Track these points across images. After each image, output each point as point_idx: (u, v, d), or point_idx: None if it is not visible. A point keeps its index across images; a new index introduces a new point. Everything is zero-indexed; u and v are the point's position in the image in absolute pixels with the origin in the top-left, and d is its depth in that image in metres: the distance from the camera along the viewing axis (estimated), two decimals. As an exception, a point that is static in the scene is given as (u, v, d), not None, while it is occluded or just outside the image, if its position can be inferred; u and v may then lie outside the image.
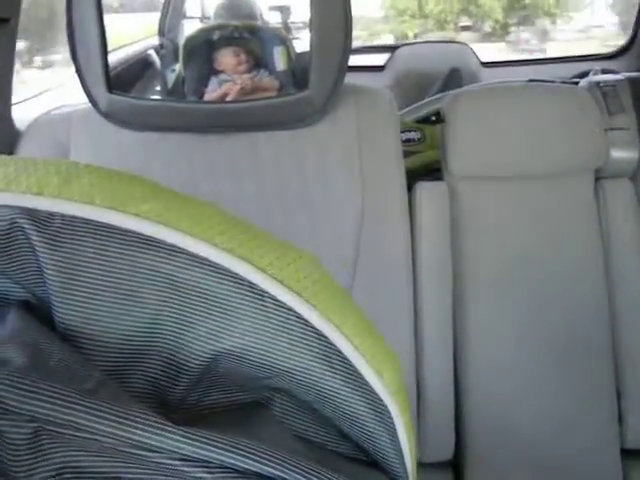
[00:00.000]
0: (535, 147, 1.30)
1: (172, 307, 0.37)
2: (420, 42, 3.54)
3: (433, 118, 1.81)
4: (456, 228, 1.30)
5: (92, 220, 0.36)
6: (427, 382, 1.27)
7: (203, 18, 1.57)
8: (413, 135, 1.67)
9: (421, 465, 1.31)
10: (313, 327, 0.39)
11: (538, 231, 1.32)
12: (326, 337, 0.39)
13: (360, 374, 0.41)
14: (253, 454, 0.32)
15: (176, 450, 0.30)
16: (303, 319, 0.38)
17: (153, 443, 0.30)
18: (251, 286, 0.37)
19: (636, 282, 1.33)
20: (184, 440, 0.30)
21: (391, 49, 2.87)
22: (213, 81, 1.28)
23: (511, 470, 1.30)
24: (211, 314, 0.37)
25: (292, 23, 1.64)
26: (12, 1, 1.24)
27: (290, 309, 0.38)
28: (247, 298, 0.37)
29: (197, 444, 0.30)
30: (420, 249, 1.26)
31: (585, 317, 1.32)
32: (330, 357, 0.39)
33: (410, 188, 1.27)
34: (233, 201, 1.17)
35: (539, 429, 1.31)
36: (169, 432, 0.30)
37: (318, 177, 1.18)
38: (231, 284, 0.37)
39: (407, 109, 1.81)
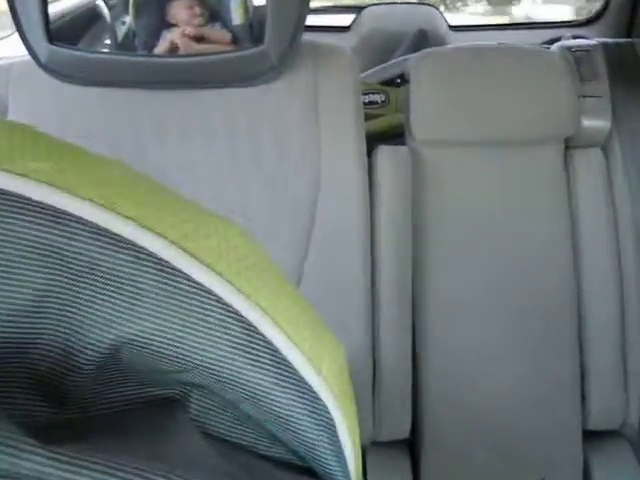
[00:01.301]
0: (504, 112, 1.24)
1: (60, 286, 0.30)
2: (387, 3, 3.45)
3: (398, 80, 1.76)
4: (417, 196, 1.24)
5: None
6: (383, 358, 1.22)
7: (155, -33, 1.48)
8: (377, 97, 1.61)
9: (376, 444, 1.26)
10: (236, 312, 0.32)
11: (504, 200, 1.27)
12: (252, 325, 0.33)
13: (294, 369, 0.34)
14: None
15: (42, 477, 0.24)
16: (224, 303, 0.32)
17: (7, 468, 0.24)
18: (160, 263, 0.31)
19: (604, 256, 1.28)
20: (50, 464, 0.24)
21: (357, 9, 2.79)
22: (165, 35, 1.20)
23: (469, 449, 1.27)
24: (109, 295, 0.31)
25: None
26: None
27: (209, 291, 0.32)
28: (154, 277, 0.31)
29: (66, 467, 0.24)
30: (379, 218, 1.20)
31: (550, 292, 1.27)
32: (257, 349, 0.33)
33: (371, 153, 1.21)
34: (181, 164, 1.11)
35: (499, 409, 1.27)
36: (31, 453, 0.24)
37: (272, 140, 1.12)
38: (135, 260, 0.30)
39: (371, 70, 1.76)
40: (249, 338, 0.33)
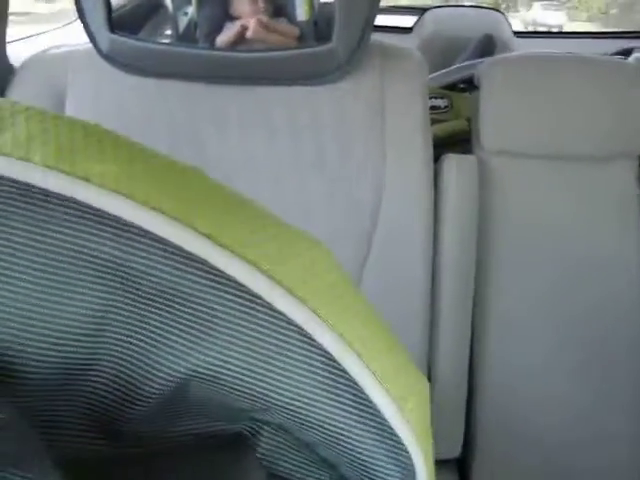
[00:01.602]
0: (578, 124, 1.18)
1: (124, 308, 0.26)
2: (451, 5, 3.39)
3: (462, 86, 1.70)
4: (483, 207, 1.18)
5: (26, 183, 0.25)
6: (439, 370, 1.17)
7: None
8: (440, 102, 1.56)
9: None
10: (320, 347, 0.28)
11: (572, 214, 1.21)
12: (336, 360, 0.28)
13: (378, 411, 0.30)
14: None
15: None
16: (306, 335, 0.27)
17: None
18: (237, 287, 0.26)
19: None
20: None
21: (420, 11, 2.74)
22: (228, 27, 1.16)
23: (521, 474, 1.21)
24: (180, 321, 0.26)
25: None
26: None
27: (290, 321, 0.27)
28: (231, 303, 0.26)
29: None
30: (443, 227, 1.14)
31: (619, 312, 1.20)
32: (340, 387, 0.28)
33: (435, 159, 1.16)
34: (241, 161, 1.08)
35: (560, 438, 1.20)
36: None
37: (336, 140, 1.08)
38: (210, 283, 0.26)
39: (434, 74, 1.70)
40: (332, 375, 0.28)
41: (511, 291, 1.19)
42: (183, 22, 1.26)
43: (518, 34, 2.65)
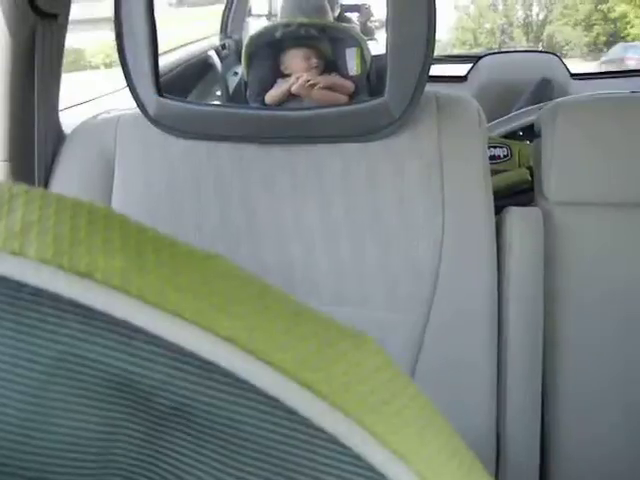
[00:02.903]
0: None
1: (134, 429, 0.22)
2: (505, 51, 3.35)
3: (520, 133, 1.66)
4: (550, 262, 1.11)
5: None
6: (509, 437, 1.09)
7: (270, 15, 1.44)
8: (499, 152, 1.51)
9: None
10: (370, 466, 0.22)
11: None
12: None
13: None
14: None
15: None
16: (353, 455, 0.22)
17: None
18: (270, 402, 0.21)
19: None
20: None
21: (474, 59, 2.71)
22: (279, 84, 1.14)
23: None
24: (198, 442, 0.22)
25: (371, 22, 1.50)
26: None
27: (333, 440, 0.22)
28: (261, 422, 0.21)
29: None
30: (508, 285, 1.08)
31: None
32: None
33: (496, 211, 1.10)
34: (294, 226, 1.04)
35: None
36: None
37: (392, 199, 1.03)
38: (235, 397, 0.21)
39: (492, 123, 1.66)
40: None
41: (583, 354, 1.12)
42: (233, 82, 1.25)
43: (575, 76, 2.60)
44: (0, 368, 0.21)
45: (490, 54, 2.83)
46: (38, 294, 0.20)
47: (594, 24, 5.87)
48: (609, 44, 5.45)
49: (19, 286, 0.20)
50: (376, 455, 0.22)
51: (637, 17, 5.41)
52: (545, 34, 6.34)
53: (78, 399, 0.21)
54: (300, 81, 1.11)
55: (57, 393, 0.21)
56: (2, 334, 0.20)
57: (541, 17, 6.55)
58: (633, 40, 5.28)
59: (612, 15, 5.58)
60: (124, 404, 0.21)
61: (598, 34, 5.78)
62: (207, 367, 0.21)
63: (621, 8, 5.47)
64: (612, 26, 5.59)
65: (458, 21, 7.18)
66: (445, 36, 6.59)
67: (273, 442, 0.22)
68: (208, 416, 0.21)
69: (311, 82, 1.11)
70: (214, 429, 0.22)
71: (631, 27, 5.38)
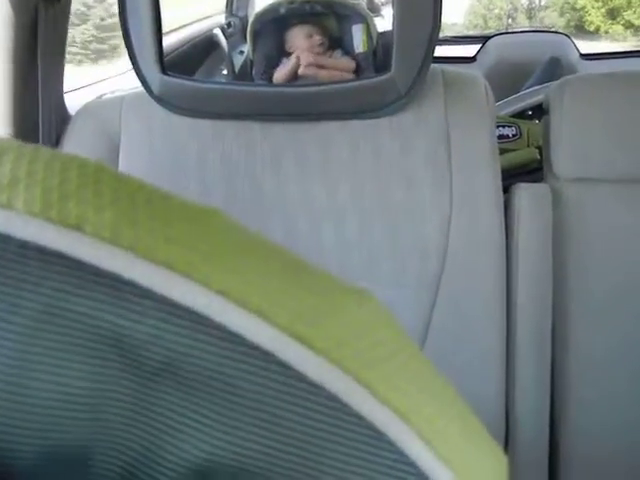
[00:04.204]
0: None
1: (126, 386, 0.21)
2: (514, 31, 3.33)
3: (530, 112, 1.64)
4: (559, 239, 1.10)
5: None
6: (518, 413, 1.09)
7: (277, -7, 1.43)
8: (507, 131, 1.50)
9: None
10: (371, 425, 0.22)
11: None
12: (389, 439, 0.22)
13: None
14: None
15: None
16: (353, 413, 0.22)
17: None
18: (261, 355, 0.21)
19: None
20: None
21: (483, 39, 2.69)
22: (284, 63, 1.13)
23: None
24: (189, 397, 0.21)
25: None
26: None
27: (331, 397, 0.21)
28: (255, 376, 0.21)
29: None
30: (517, 264, 1.07)
31: None
32: (400, 475, 0.22)
33: (505, 190, 1.09)
34: (300, 201, 1.04)
35: None
36: None
37: (399, 176, 1.02)
38: (228, 351, 0.21)
39: (501, 102, 1.64)
40: (387, 461, 0.22)
41: (593, 332, 1.11)
42: (239, 61, 1.24)
43: (585, 56, 2.57)
44: None
45: (499, 34, 2.81)
46: (24, 247, 0.19)
47: (566, 12, 7.81)
48: (577, 28, 7.32)
49: (6, 239, 0.19)
50: (376, 413, 0.22)
51: (592, 8, 7.36)
52: (538, 18, 7.80)
53: (65, 354, 0.20)
54: (305, 62, 1.10)
55: (43, 348, 0.20)
56: None
57: (543, 3, 7.98)
58: (590, 25, 7.32)
59: (577, 6, 7.58)
60: (113, 359, 0.21)
61: (569, 20, 7.70)
62: (199, 320, 0.20)
63: (582, 1, 7.51)
64: (579, 14, 7.60)
65: (470, 7, 8.24)
66: (461, 19, 7.73)
67: (267, 397, 0.21)
68: (200, 370, 0.21)
69: (313, 63, 1.10)
70: (207, 384, 0.21)
71: (588, 15, 7.39)
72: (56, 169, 0.21)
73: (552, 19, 7.69)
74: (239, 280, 0.21)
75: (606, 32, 7.13)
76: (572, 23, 7.41)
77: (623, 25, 7.08)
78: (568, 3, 7.58)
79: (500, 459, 0.27)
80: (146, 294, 0.20)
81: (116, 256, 0.19)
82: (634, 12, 6.95)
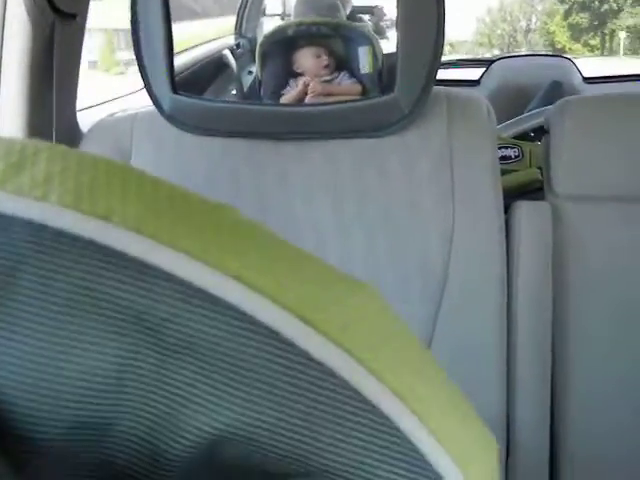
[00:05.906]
0: None
1: (144, 360, 0.23)
2: (519, 55, 3.36)
3: (532, 134, 1.67)
4: (559, 256, 1.12)
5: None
6: (519, 421, 1.11)
7: (284, 15, 1.46)
8: (510, 152, 1.52)
9: None
10: (367, 401, 0.24)
11: None
12: (386, 416, 0.24)
13: (437, 474, 0.26)
14: None
15: None
16: (352, 388, 0.24)
17: None
18: (271, 334, 0.23)
19: None
20: None
21: (487, 62, 2.72)
22: (292, 84, 1.16)
23: None
24: (206, 373, 0.24)
25: (384, 21, 1.51)
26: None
27: (331, 373, 0.24)
28: (262, 352, 0.23)
29: None
30: (516, 279, 1.09)
31: None
32: (392, 447, 0.25)
33: (506, 209, 1.12)
34: (305, 217, 1.06)
35: None
36: None
37: (403, 192, 1.05)
38: (238, 329, 0.23)
39: (504, 124, 1.67)
40: (381, 434, 0.25)
41: (593, 350, 1.13)
42: (248, 81, 1.27)
43: (588, 80, 2.60)
44: (25, 303, 0.23)
45: (503, 58, 2.84)
46: (59, 234, 0.22)
47: (543, 35, 10.97)
48: (550, 46, 10.55)
49: (42, 228, 0.22)
50: (371, 388, 0.24)
51: (559, 32, 10.61)
52: (528, 39, 10.90)
53: (95, 331, 0.23)
54: (312, 92, 1.13)
55: (77, 325, 0.23)
56: (26, 270, 0.22)
57: (538, 25, 11.06)
58: (558, 44, 10.46)
59: (550, 30, 10.75)
60: (134, 336, 0.23)
61: (545, 40, 10.85)
62: (213, 301, 0.23)
63: (552, 27, 10.75)
64: (551, 36, 10.70)
65: (477, 29, 10.65)
66: (470, 37, 9.98)
67: (274, 372, 0.24)
68: (214, 347, 0.23)
69: (321, 93, 1.13)
70: (221, 360, 0.23)
71: (557, 37, 10.61)
72: (86, 167, 0.24)
73: (536, 39, 11.03)
74: (251, 266, 0.23)
75: (569, 49, 10.30)
76: (547, 42, 10.85)
77: (582, 44, 10.62)
78: (544, 28, 11.02)
79: (492, 445, 0.30)
80: (167, 277, 0.22)
81: (141, 243, 0.22)
82: (592, 36, 10.62)
